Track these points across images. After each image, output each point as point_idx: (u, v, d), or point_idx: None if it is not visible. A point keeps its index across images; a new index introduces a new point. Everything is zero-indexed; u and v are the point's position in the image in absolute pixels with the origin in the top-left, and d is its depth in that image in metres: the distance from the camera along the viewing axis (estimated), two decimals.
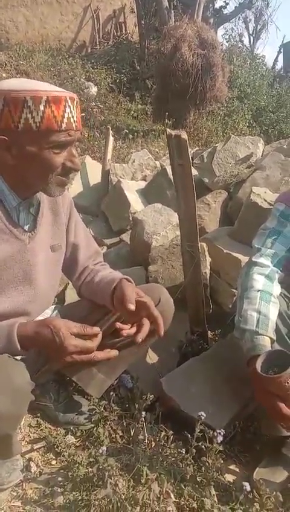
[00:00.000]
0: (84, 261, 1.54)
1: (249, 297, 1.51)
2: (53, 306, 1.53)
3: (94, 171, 3.92)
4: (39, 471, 1.45)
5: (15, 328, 1.11)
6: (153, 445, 1.58)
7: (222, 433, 1.38)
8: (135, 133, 7.09)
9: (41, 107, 1.05)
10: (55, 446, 1.51)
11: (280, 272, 1.61)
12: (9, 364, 1.06)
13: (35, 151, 1.11)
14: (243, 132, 8.71)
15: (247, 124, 9.53)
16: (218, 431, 1.38)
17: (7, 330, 1.11)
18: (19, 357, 1.19)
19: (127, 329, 1.28)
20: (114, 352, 1.25)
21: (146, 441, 1.56)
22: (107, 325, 1.42)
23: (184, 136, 1.73)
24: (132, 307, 1.26)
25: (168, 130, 1.79)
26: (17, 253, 1.24)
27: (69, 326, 1.13)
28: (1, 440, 1.12)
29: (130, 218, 3.12)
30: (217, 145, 3.37)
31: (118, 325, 1.30)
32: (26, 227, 1.26)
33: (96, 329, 1.19)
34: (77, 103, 1.14)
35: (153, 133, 7.63)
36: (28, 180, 1.18)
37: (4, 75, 7.47)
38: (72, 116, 1.11)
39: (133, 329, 1.28)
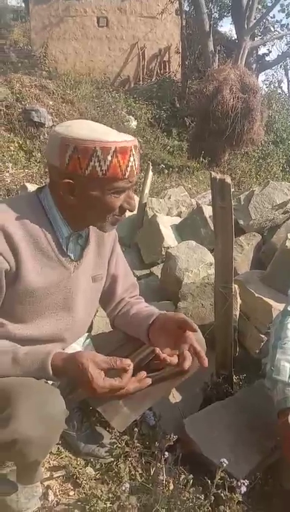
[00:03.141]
0: (121, 293, 1.56)
1: (282, 348, 1.50)
2: (86, 334, 1.55)
3: None
4: (56, 501, 1.43)
5: (50, 356, 1.11)
6: (171, 487, 1.55)
7: (245, 484, 1.35)
8: (170, 168, 7.22)
9: (109, 157, 1.11)
10: (75, 477, 1.50)
11: None
12: (46, 391, 1.08)
13: (98, 195, 1.17)
14: (276, 176, 8.77)
15: (280, 168, 9.60)
16: (242, 481, 1.35)
17: (42, 358, 1.12)
18: (50, 382, 1.21)
19: (171, 358, 1.26)
20: (147, 381, 1.20)
21: (164, 482, 1.54)
22: (140, 358, 1.42)
23: (228, 180, 1.77)
24: (196, 327, 1.26)
25: (212, 173, 1.84)
26: (62, 280, 1.28)
27: (98, 363, 1.10)
28: (29, 466, 1.13)
29: (163, 252, 3.16)
30: (255, 189, 3.41)
31: (158, 351, 1.29)
32: (73, 257, 1.30)
33: (127, 361, 1.15)
34: (138, 150, 1.20)
35: (188, 169, 7.76)
36: (86, 218, 1.25)
37: (51, 102, 7.78)
38: (134, 165, 1.17)
39: (175, 358, 1.27)
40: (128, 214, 4.03)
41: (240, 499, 1.38)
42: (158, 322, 1.36)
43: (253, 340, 2.37)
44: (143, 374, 1.20)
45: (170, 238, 3.32)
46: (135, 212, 3.92)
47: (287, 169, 9.79)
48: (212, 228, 3.24)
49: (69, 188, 1.16)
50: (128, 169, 1.15)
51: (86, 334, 1.55)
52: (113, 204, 1.20)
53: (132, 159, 1.15)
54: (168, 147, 9.24)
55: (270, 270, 2.57)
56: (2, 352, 1.13)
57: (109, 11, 11.88)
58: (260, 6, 11.81)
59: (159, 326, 1.35)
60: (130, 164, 1.15)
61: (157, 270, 3.05)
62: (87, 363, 1.09)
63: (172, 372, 1.37)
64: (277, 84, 17.06)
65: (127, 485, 1.29)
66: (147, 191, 3.95)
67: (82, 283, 1.35)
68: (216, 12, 13.20)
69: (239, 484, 1.35)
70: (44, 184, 1.32)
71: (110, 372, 1.13)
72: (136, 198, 4.03)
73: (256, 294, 2.40)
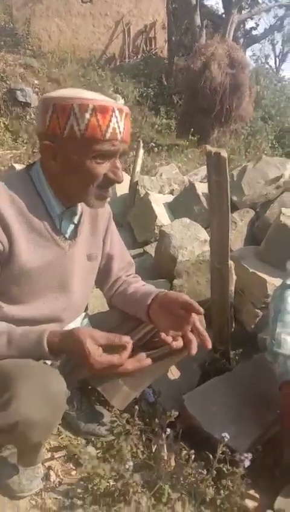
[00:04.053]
0: (117, 272, 1.53)
1: (282, 321, 1.50)
2: (83, 314, 1.53)
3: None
4: (58, 481, 1.43)
5: (46, 333, 1.09)
6: (173, 463, 1.55)
7: (249, 458, 1.35)
8: (159, 147, 7.14)
9: (87, 115, 1.05)
10: (76, 456, 1.49)
11: None
12: (46, 372, 1.06)
13: (78, 160, 1.11)
14: (265, 153, 8.73)
15: (269, 145, 9.55)
16: (245, 455, 1.35)
17: (37, 334, 1.10)
18: (49, 362, 1.19)
19: (174, 342, 1.23)
20: (146, 361, 1.19)
21: (166, 458, 1.54)
22: (138, 337, 1.41)
23: (224, 154, 1.73)
24: (201, 310, 1.23)
25: (208, 146, 1.81)
26: (56, 259, 1.24)
27: (96, 338, 1.08)
28: (31, 448, 1.11)
29: (156, 231, 3.13)
30: (247, 164, 3.37)
31: (163, 336, 1.24)
32: (67, 235, 1.27)
33: (126, 338, 1.13)
34: (126, 115, 1.13)
35: (177, 147, 7.68)
36: (69, 189, 1.18)
37: (36, 81, 7.61)
38: (118, 127, 1.10)
39: (180, 342, 1.24)
40: (119, 192, 3.98)
41: (243, 472, 1.39)
42: (158, 300, 1.33)
43: (249, 315, 2.37)
44: (143, 355, 1.18)
45: (163, 216, 3.29)
46: (127, 191, 3.87)
47: (276, 146, 9.75)
48: (205, 205, 3.23)
49: (51, 151, 1.11)
50: (110, 130, 1.08)
51: (84, 313, 1.53)
52: (96, 171, 1.12)
53: (114, 120, 1.08)
54: (156, 126, 9.13)
55: (264, 245, 2.56)
56: None
57: None
58: None
59: (159, 305, 1.32)
60: (111, 125, 1.08)
61: (150, 248, 3.03)
62: (84, 338, 1.06)
63: (170, 350, 1.36)
64: (264, 60, 16.91)
65: (131, 463, 1.29)
66: (138, 169, 3.89)
67: (77, 262, 1.32)
68: None
69: (242, 458, 1.35)
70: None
71: (109, 350, 1.11)
72: (127, 177, 3.98)
73: (251, 270, 2.39)
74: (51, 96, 1.11)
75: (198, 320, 1.24)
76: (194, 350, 1.22)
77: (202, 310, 1.21)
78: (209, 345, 1.24)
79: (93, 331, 1.11)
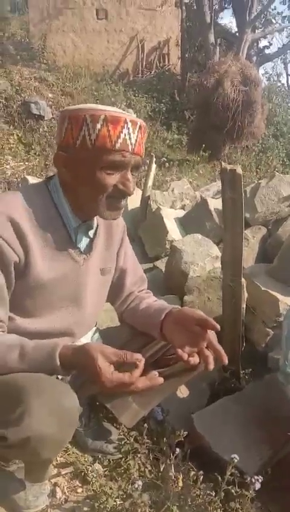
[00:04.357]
0: (130, 287, 1.51)
1: None
2: (94, 328, 1.52)
3: (132, 196, 3.95)
4: (64, 498, 1.40)
5: (58, 347, 1.08)
6: (181, 483, 1.52)
7: (260, 480, 1.32)
8: (171, 162, 7.18)
9: (98, 125, 1.06)
10: (83, 473, 1.46)
11: None
12: (60, 387, 1.04)
13: (89, 170, 1.11)
14: (276, 170, 8.74)
15: (280, 162, 9.57)
16: (256, 477, 1.32)
17: (51, 347, 1.08)
18: (60, 377, 1.17)
19: (191, 358, 1.20)
20: (158, 380, 1.15)
21: (173, 478, 1.51)
22: (149, 354, 1.38)
23: (239, 170, 1.73)
24: (218, 326, 1.21)
25: (223, 163, 1.80)
26: (71, 273, 1.24)
27: (107, 355, 1.06)
28: (40, 464, 1.09)
29: (167, 246, 3.12)
30: (261, 181, 3.37)
31: (180, 352, 1.21)
32: (82, 249, 1.26)
33: (138, 356, 1.10)
34: (140, 128, 1.13)
35: (188, 163, 7.71)
36: (81, 199, 1.18)
37: (50, 95, 7.72)
38: (129, 138, 1.10)
39: (197, 358, 1.21)
40: (131, 206, 3.97)
41: (253, 495, 1.36)
42: (173, 316, 1.31)
43: (259, 334, 2.34)
44: (154, 373, 1.15)
45: (174, 232, 3.28)
46: (138, 205, 3.87)
47: (287, 163, 9.76)
48: (217, 221, 3.22)
49: (62, 161, 1.13)
50: (120, 140, 1.08)
51: (94, 328, 1.52)
52: (105, 182, 1.12)
53: (125, 131, 1.08)
54: (168, 141, 9.18)
55: (276, 263, 2.55)
56: (9, 347, 1.09)
57: (108, 3, 11.71)
58: None
59: (174, 321, 1.30)
60: (122, 136, 1.08)
61: (160, 264, 3.02)
62: (96, 354, 1.04)
63: (181, 368, 1.33)
64: (276, 78, 17.06)
65: (140, 483, 1.26)
66: (150, 183, 3.90)
67: (91, 276, 1.31)
68: (216, 4, 13.08)
69: (253, 481, 1.32)
70: (53, 174, 1.27)
71: (120, 367, 1.09)
72: (138, 191, 3.99)
73: (263, 288, 2.37)
74: (68, 109, 1.13)
75: (214, 337, 1.22)
76: (212, 365, 1.20)
77: (218, 326, 1.19)
78: (226, 360, 1.21)
79: (105, 347, 1.09)
